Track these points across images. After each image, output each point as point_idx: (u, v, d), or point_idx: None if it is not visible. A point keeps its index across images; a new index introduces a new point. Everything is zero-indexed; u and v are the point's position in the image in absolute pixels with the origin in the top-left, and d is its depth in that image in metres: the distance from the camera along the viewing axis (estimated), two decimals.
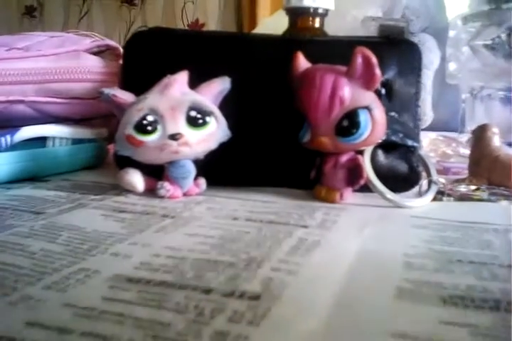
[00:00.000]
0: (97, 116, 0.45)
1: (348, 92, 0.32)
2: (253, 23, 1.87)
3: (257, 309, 0.17)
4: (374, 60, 0.32)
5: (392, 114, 0.37)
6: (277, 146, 0.37)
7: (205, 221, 0.28)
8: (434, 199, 0.35)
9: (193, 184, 0.35)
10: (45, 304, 0.17)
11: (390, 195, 0.33)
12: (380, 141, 0.35)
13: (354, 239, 0.26)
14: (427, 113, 0.69)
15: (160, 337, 0.15)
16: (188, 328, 0.16)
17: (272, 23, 0.74)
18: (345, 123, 0.32)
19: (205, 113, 0.34)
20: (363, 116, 0.32)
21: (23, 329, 0.15)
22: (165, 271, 0.20)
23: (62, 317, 0.16)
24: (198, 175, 0.35)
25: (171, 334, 0.15)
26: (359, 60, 0.32)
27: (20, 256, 0.22)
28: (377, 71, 0.32)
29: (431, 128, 0.65)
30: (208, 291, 0.19)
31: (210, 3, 2.17)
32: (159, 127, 0.32)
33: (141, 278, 0.20)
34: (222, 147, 0.35)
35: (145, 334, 0.15)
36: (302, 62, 0.34)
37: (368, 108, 0.32)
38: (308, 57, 0.35)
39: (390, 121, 0.35)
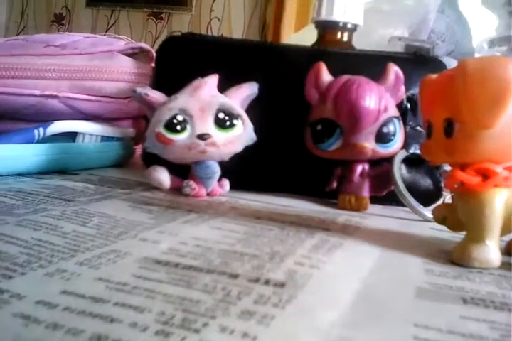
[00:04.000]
0: (127, 116, 0.46)
1: (388, 101, 0.33)
2: (277, 40, 1.89)
3: (282, 295, 0.18)
4: (401, 74, 0.33)
5: (419, 128, 0.37)
6: (299, 155, 0.37)
7: (229, 217, 0.29)
8: None
9: (217, 185, 0.36)
10: (79, 277, 0.18)
11: (418, 206, 0.34)
12: (407, 154, 0.35)
13: (375, 244, 0.26)
14: None
15: (190, 311, 0.16)
16: (216, 306, 0.16)
17: (298, 38, 0.75)
18: (386, 130, 0.33)
19: (233, 115, 0.34)
20: (397, 125, 0.34)
21: (58, 297, 0.16)
22: (192, 257, 0.21)
23: (96, 289, 0.17)
24: (222, 176, 0.36)
25: (201, 309, 0.16)
26: (393, 73, 0.33)
27: (54, 235, 0.22)
28: (403, 85, 0.34)
29: None
30: (234, 276, 0.19)
31: (235, 20, 2.20)
32: (188, 127, 0.33)
33: (170, 261, 0.20)
34: (246, 152, 0.35)
35: (175, 308, 0.16)
36: (325, 74, 0.35)
37: (397, 118, 0.33)
38: (336, 68, 0.35)
39: (417, 136, 0.36)
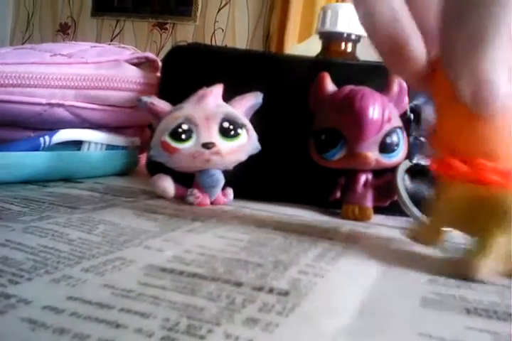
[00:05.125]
0: (132, 125, 0.46)
1: (392, 112, 0.33)
2: (281, 51, 1.90)
3: (286, 303, 0.18)
4: (405, 85, 0.34)
5: (422, 139, 0.38)
6: (302, 164, 0.37)
7: (233, 226, 0.29)
8: None
9: (221, 194, 0.36)
10: (84, 283, 0.18)
11: (421, 216, 0.34)
12: (410, 164, 0.36)
13: (379, 254, 0.26)
14: None
15: (195, 317, 0.16)
16: (220, 313, 0.16)
17: (302, 48, 0.76)
18: (389, 140, 0.33)
19: (237, 125, 0.35)
20: (400, 135, 0.34)
21: (64, 302, 0.16)
22: (196, 265, 0.21)
23: (102, 295, 0.17)
24: (226, 185, 0.36)
25: (205, 316, 0.16)
26: (396, 84, 0.34)
27: (60, 242, 0.22)
28: (406, 96, 0.35)
29: None
30: (238, 284, 0.19)
31: (239, 30, 2.22)
32: (193, 136, 0.34)
33: (174, 269, 0.20)
34: (250, 161, 0.36)
35: (180, 314, 0.16)
36: (329, 84, 0.35)
37: (400, 128, 0.34)
38: (339, 78, 0.36)
39: (421, 146, 0.37)
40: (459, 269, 0.23)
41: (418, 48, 0.23)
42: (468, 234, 0.24)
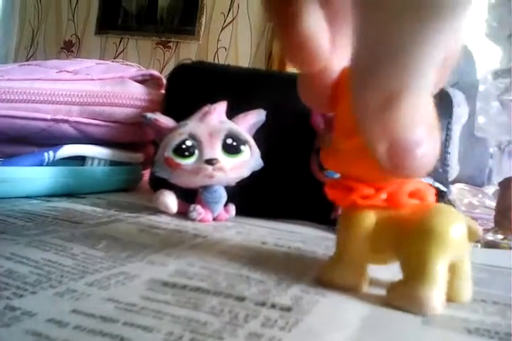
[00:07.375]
0: (135, 141, 0.46)
1: None
2: (283, 70, 1.91)
3: (289, 318, 0.18)
4: None
5: None
6: (304, 181, 0.38)
7: (235, 242, 0.29)
8: None
9: (223, 210, 0.36)
10: (88, 297, 0.18)
11: None
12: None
13: (382, 272, 0.26)
14: (453, 166, 0.69)
15: (198, 332, 0.16)
16: (223, 328, 0.16)
17: None
18: None
19: (240, 141, 0.35)
20: None
21: (69, 315, 0.16)
22: (199, 279, 0.21)
23: (106, 309, 0.17)
24: (228, 202, 0.36)
25: (208, 331, 0.16)
26: None
27: (64, 256, 0.23)
28: None
29: (456, 182, 0.66)
30: (241, 299, 0.19)
31: (241, 49, 2.23)
32: (196, 152, 0.34)
33: (177, 283, 0.20)
34: (252, 177, 0.36)
35: (183, 328, 0.16)
36: None
37: None
38: None
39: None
40: (405, 304, 0.20)
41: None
42: (401, 262, 0.21)
